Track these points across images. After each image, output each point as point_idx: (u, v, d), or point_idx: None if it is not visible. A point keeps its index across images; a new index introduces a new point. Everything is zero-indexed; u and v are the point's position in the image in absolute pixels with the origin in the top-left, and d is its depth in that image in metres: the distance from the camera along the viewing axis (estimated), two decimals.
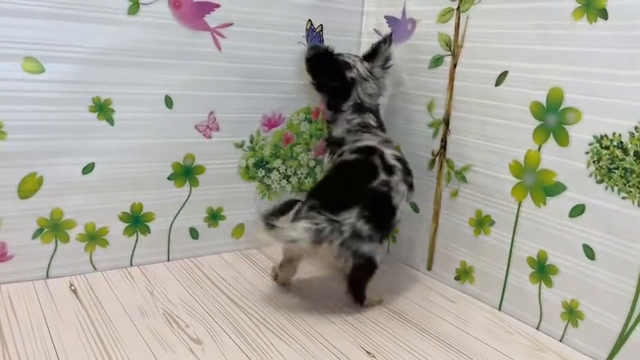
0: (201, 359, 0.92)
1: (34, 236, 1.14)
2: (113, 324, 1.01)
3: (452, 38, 1.23)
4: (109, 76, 1.15)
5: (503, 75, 1.13)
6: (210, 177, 1.33)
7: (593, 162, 0.98)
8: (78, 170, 1.16)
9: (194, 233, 1.35)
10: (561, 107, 1.02)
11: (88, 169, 1.17)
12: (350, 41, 1.47)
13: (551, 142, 1.05)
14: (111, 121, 1.17)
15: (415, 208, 1.36)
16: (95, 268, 1.23)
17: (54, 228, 1.16)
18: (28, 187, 1.12)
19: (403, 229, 1.41)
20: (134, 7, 1.14)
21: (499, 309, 1.18)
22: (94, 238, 1.21)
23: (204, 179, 1.33)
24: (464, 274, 1.26)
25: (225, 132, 1.33)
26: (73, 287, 1.14)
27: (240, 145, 1.36)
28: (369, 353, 0.98)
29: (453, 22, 1.22)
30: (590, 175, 0.99)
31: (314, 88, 1.22)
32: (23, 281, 1.14)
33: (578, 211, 1.02)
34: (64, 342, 0.93)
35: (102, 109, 1.16)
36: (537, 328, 1.10)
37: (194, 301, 1.13)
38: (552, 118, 1.04)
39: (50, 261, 1.17)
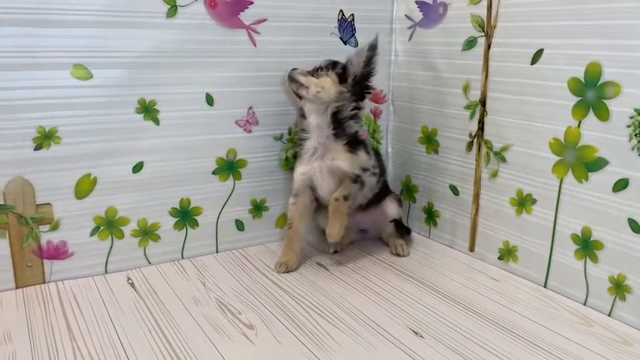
0: (256, 343, 0.97)
1: (92, 234, 1.21)
2: (170, 313, 1.06)
3: (485, 19, 1.23)
4: (153, 78, 1.20)
5: (538, 53, 1.12)
6: (253, 170, 1.38)
7: (635, 135, 0.97)
8: (129, 169, 1.22)
9: (240, 225, 1.40)
10: (600, 82, 1.01)
11: (138, 167, 1.23)
12: (381, 29, 1.48)
13: (591, 117, 1.04)
14: (156, 121, 1.23)
15: (455, 191, 1.37)
16: (149, 262, 1.29)
17: (109, 225, 1.22)
18: (84, 188, 1.18)
19: (444, 212, 1.43)
20: (172, 10, 1.19)
21: (545, 286, 1.18)
22: (147, 233, 1.27)
23: (246, 172, 1.37)
24: (507, 253, 1.26)
25: (264, 126, 1.37)
26: (130, 281, 1.20)
27: (279, 138, 1.40)
28: (416, 333, 1.00)
29: (485, 2, 1.22)
30: (633, 149, 0.98)
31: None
32: (84, 277, 1.21)
33: (621, 185, 1.01)
34: (127, 332, 0.99)
35: (147, 110, 1.21)
36: (584, 304, 1.10)
37: (244, 289, 1.17)
38: (591, 93, 1.03)
39: (108, 257, 1.24)
